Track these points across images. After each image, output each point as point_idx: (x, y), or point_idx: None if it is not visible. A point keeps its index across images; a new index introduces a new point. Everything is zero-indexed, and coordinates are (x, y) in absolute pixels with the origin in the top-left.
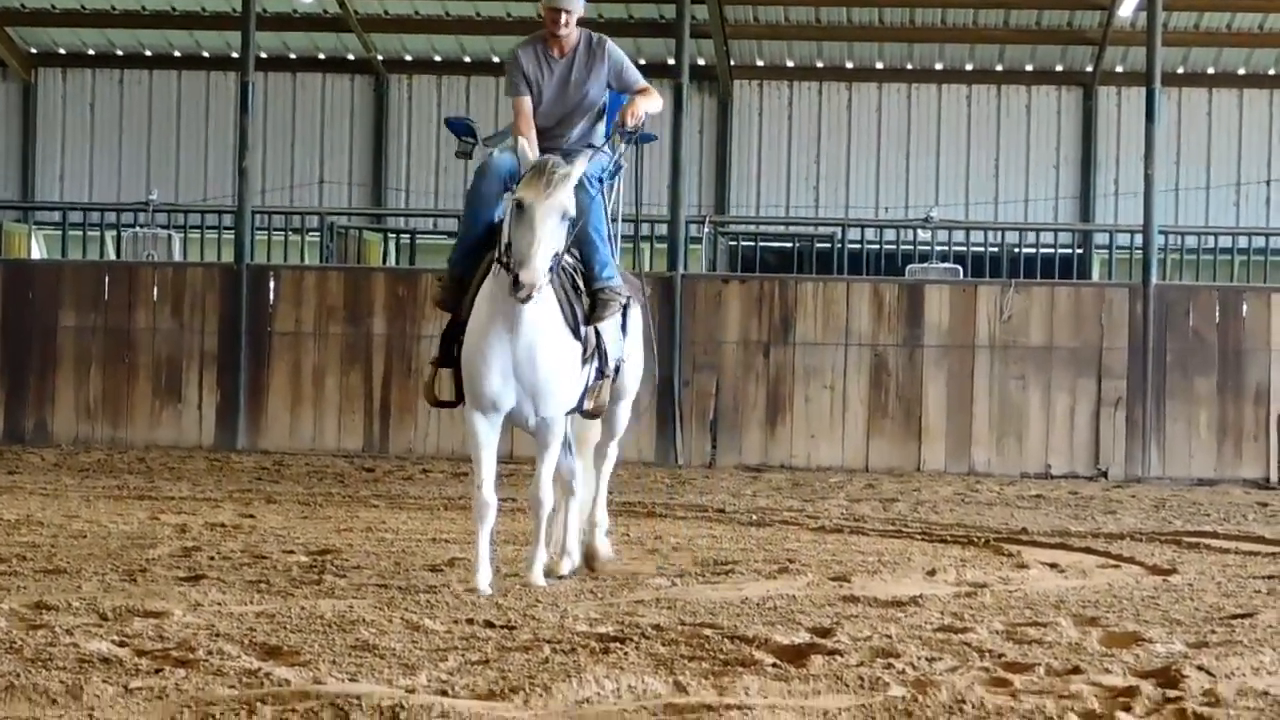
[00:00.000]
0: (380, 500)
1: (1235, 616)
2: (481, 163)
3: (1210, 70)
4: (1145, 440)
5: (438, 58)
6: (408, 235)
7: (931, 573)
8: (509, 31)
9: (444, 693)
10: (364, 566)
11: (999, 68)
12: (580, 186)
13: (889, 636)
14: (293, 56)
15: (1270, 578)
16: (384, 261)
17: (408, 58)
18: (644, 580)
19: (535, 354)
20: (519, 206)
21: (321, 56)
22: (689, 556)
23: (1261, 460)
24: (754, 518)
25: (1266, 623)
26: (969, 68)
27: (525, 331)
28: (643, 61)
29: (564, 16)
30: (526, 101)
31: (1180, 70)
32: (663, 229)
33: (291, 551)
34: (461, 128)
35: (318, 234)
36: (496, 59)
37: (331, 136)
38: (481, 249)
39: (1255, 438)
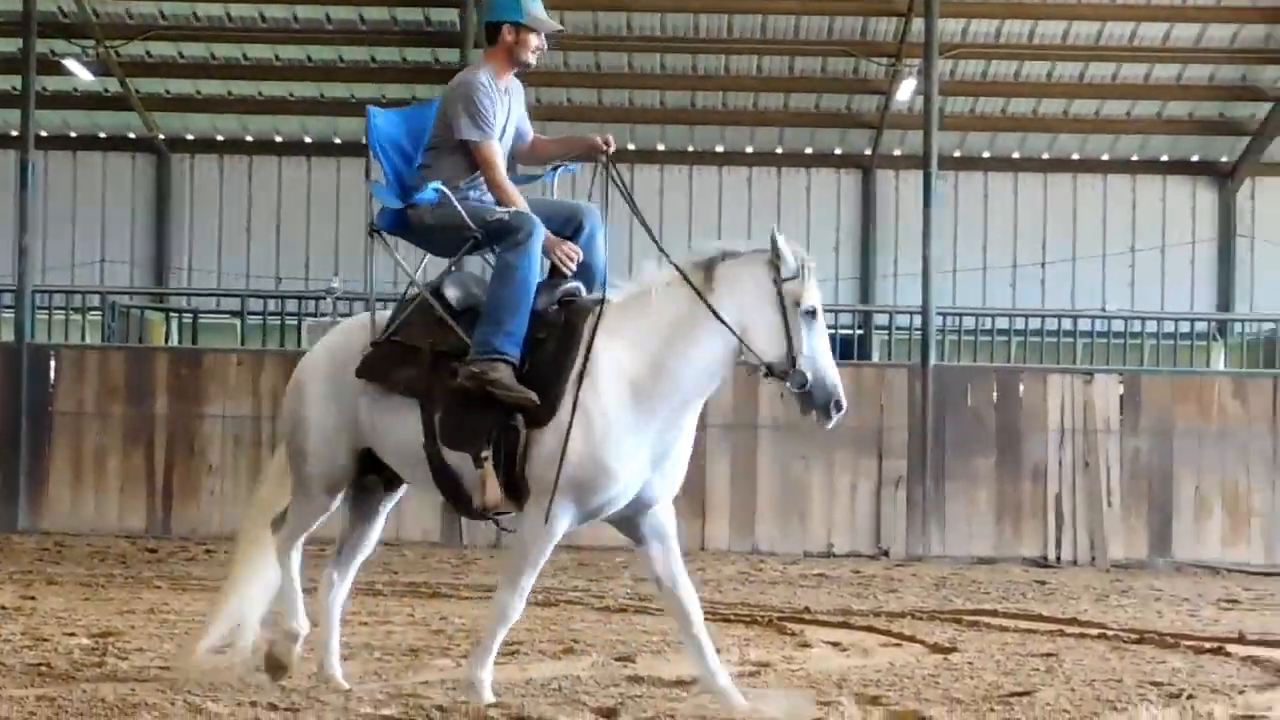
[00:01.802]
0: (163, 581)
1: (1014, 694)
2: (524, 224)
3: (986, 154)
4: (925, 519)
5: (220, 137)
6: (190, 315)
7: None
8: (290, 111)
9: None
10: (147, 649)
11: (779, 150)
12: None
13: (672, 717)
14: (73, 135)
15: (1049, 655)
16: (166, 341)
17: (190, 136)
18: (429, 661)
19: (684, 440)
20: (811, 314)
21: (103, 135)
22: (474, 637)
23: (1040, 538)
24: (539, 598)
25: (1044, 700)
26: (749, 150)
27: (691, 421)
28: None
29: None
30: (499, 147)
31: (957, 154)
32: None
33: (73, 634)
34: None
35: (99, 313)
36: (279, 138)
37: (113, 215)
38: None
39: (1034, 516)
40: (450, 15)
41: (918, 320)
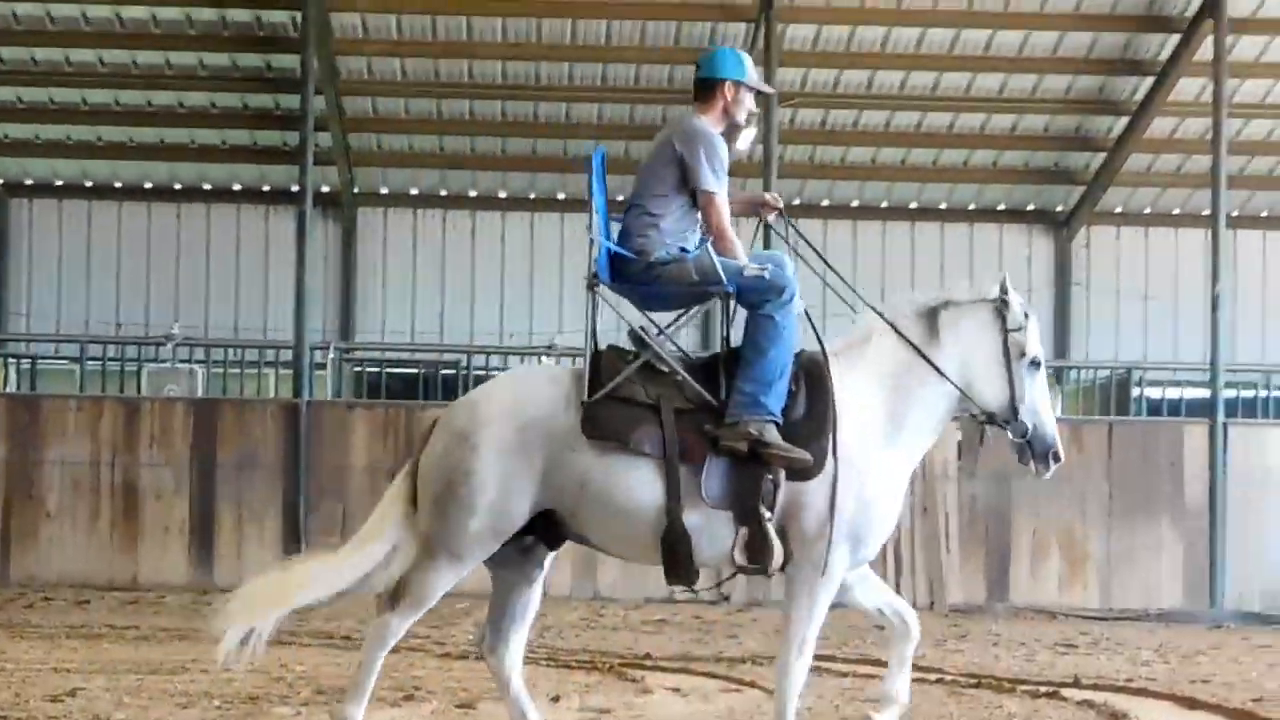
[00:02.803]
0: (0, 629)
1: None
2: (786, 281)
3: (825, 202)
4: None
5: (59, 181)
6: (29, 360)
7: (556, 699)
8: (129, 156)
9: None
10: None
11: (619, 198)
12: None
13: None
14: None
15: None
16: (4, 387)
17: (28, 181)
18: (268, 710)
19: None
20: (1035, 365)
21: None
22: (314, 684)
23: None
24: None
25: None
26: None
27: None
28: (267, 188)
29: None
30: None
31: (796, 201)
32: (288, 354)
33: None
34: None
35: None
36: (118, 183)
37: None
38: None
39: (873, 562)
40: (291, 61)
41: None
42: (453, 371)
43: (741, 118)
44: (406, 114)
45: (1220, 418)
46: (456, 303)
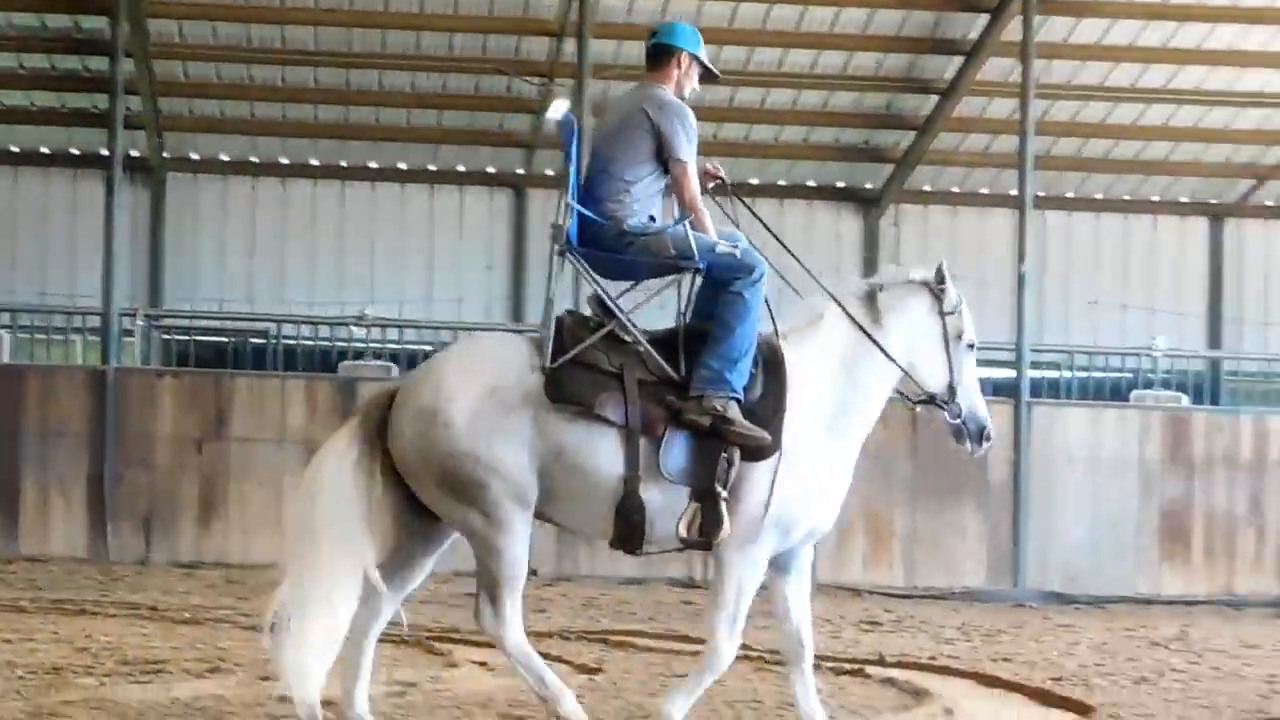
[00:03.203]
0: None
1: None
2: (756, 261)
3: None
4: (574, 538)
5: None
6: None
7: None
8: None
9: None
10: None
11: (432, 167)
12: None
13: None
14: None
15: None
16: None
17: None
18: (72, 680)
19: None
20: (971, 347)
21: None
22: (119, 655)
23: (686, 558)
24: (185, 615)
25: None
26: (403, 166)
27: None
28: (75, 151)
29: None
30: None
31: None
32: (95, 321)
33: None
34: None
35: None
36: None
37: None
38: None
39: None
40: (101, 23)
41: None
42: (262, 341)
43: (688, 91)
44: (218, 79)
45: (1024, 398)
46: (266, 271)
